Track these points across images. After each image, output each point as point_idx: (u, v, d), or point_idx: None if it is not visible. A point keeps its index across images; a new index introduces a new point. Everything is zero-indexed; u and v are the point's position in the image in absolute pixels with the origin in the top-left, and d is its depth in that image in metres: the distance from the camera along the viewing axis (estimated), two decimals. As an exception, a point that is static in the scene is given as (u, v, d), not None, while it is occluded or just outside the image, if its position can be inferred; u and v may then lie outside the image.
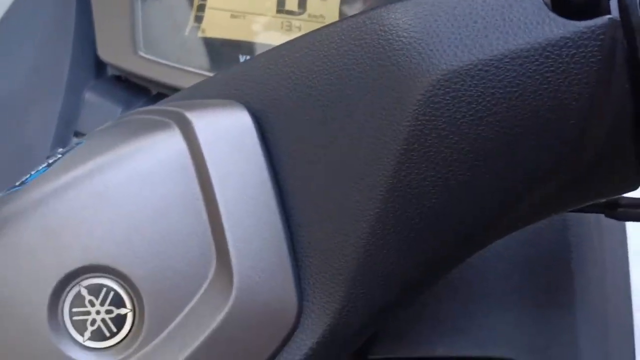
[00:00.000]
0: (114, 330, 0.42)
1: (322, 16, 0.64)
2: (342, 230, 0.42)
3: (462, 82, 0.39)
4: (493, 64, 0.39)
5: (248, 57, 0.66)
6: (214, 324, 0.42)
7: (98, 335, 0.42)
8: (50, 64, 0.70)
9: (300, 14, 0.65)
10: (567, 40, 0.38)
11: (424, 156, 0.40)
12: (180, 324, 0.42)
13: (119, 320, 0.42)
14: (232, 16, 0.66)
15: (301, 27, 0.64)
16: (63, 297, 0.42)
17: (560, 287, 0.52)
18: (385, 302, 0.42)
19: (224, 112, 0.44)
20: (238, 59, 0.66)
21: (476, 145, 0.40)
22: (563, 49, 0.38)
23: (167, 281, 0.42)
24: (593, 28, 0.38)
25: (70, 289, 0.42)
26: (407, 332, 0.51)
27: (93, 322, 0.42)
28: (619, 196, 0.47)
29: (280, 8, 0.65)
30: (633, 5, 0.39)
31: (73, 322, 0.42)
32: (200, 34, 0.67)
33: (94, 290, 0.42)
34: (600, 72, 0.38)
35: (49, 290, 0.42)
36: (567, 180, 0.41)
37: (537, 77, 0.39)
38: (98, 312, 0.42)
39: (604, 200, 0.47)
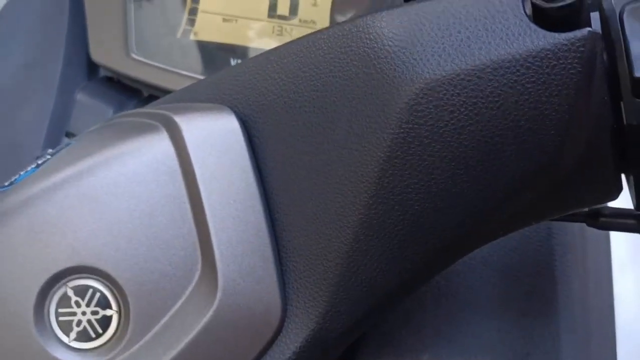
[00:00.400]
0: (100, 331, 0.43)
1: (313, 21, 0.64)
2: (326, 236, 0.42)
3: (444, 91, 0.39)
4: (475, 73, 0.39)
5: (239, 61, 0.66)
6: (198, 326, 0.42)
7: (84, 336, 0.43)
8: (43, 64, 0.70)
9: (291, 19, 0.65)
10: (548, 52, 0.39)
11: (407, 163, 0.40)
12: (165, 325, 0.42)
13: (105, 322, 0.43)
14: (224, 20, 0.66)
15: (292, 32, 0.65)
16: (49, 297, 0.42)
17: (544, 295, 0.52)
18: (369, 307, 0.43)
19: (212, 116, 0.44)
20: (229, 63, 0.66)
21: (457, 154, 0.40)
22: (544, 60, 0.39)
23: (152, 283, 0.42)
24: (573, 40, 0.38)
25: (57, 290, 0.42)
26: (392, 339, 0.51)
27: (79, 322, 0.43)
28: (602, 206, 0.47)
29: (272, 13, 0.65)
30: (613, 18, 0.39)
31: (59, 323, 0.43)
32: (192, 37, 0.67)
33: (80, 291, 0.42)
34: (579, 84, 0.39)
35: (35, 290, 0.42)
36: (548, 189, 0.41)
37: (518, 87, 0.39)
38: (84, 313, 0.43)
39: (586, 209, 0.47)
